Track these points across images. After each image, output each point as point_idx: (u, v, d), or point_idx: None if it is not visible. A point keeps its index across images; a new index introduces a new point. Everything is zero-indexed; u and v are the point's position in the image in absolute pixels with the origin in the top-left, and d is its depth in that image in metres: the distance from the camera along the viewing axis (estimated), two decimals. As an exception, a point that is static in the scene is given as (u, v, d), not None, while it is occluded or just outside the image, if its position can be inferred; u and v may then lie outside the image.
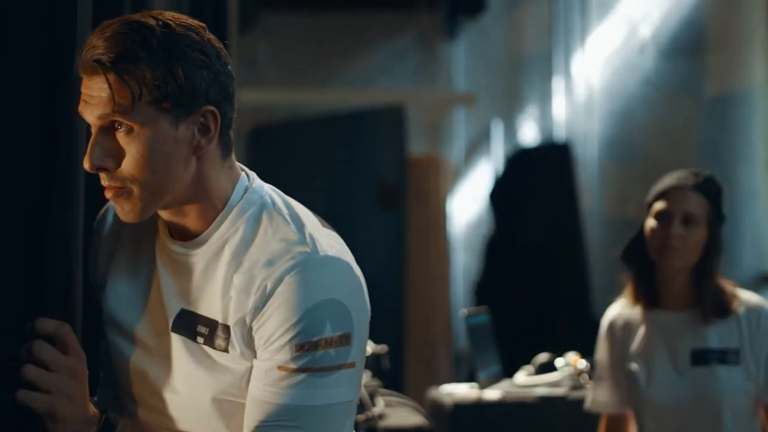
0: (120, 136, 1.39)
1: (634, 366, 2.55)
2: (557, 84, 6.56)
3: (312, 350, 1.39)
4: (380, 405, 3.06)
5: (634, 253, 2.58)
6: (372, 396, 3.01)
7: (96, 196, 1.55)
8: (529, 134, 6.79)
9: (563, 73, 6.53)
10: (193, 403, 1.48)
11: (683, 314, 2.53)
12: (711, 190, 2.52)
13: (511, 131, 6.83)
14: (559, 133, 6.51)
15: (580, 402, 2.93)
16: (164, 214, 1.49)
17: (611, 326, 2.64)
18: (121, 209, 1.44)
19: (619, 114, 6.14)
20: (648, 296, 2.57)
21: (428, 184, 6.35)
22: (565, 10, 6.53)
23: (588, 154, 6.25)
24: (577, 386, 3.55)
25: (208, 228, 1.47)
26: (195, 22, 1.44)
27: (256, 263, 1.42)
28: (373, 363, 3.12)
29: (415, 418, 3.12)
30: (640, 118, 6.05)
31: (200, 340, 1.46)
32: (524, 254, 6.05)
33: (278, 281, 1.40)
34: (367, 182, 6.11)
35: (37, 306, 1.36)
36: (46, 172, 1.37)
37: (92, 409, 1.41)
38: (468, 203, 6.90)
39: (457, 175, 6.91)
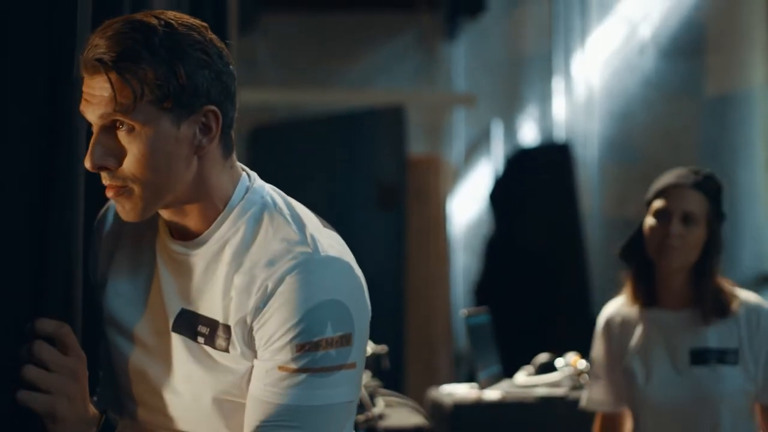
0: (121, 135, 1.39)
1: (631, 364, 2.53)
2: (557, 84, 6.56)
3: (313, 350, 1.39)
4: (380, 405, 3.06)
5: (632, 251, 2.56)
6: (372, 396, 3.01)
7: (96, 196, 1.55)
8: (529, 134, 6.79)
9: (563, 73, 6.53)
10: (193, 403, 1.48)
11: (682, 313, 2.51)
12: (711, 188, 2.49)
13: (511, 131, 6.82)
14: (559, 134, 6.51)
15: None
16: (165, 214, 1.49)
17: (608, 324, 2.62)
18: (122, 208, 1.44)
19: (619, 114, 6.14)
20: (646, 295, 2.55)
21: (428, 185, 6.35)
22: (565, 10, 6.53)
23: (588, 155, 6.25)
24: (577, 386, 3.54)
25: (208, 228, 1.47)
26: (197, 22, 1.44)
27: (257, 263, 1.42)
28: (373, 363, 3.12)
29: (415, 419, 3.12)
30: (640, 119, 6.05)
31: (201, 339, 1.46)
32: (524, 255, 6.05)
33: (279, 281, 1.40)
34: (367, 182, 6.10)
35: (37, 306, 1.36)
36: (46, 172, 1.37)
37: (92, 409, 1.41)
38: (468, 203, 6.90)
39: (457, 175, 6.90)
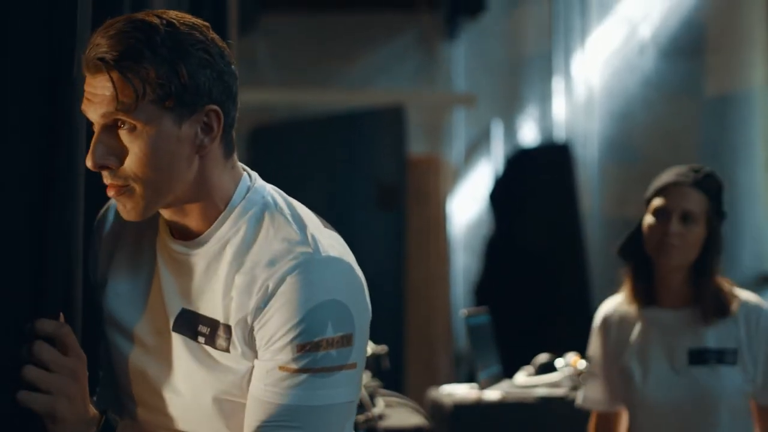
0: (123, 134, 1.39)
1: (629, 363, 2.52)
2: (557, 84, 6.56)
3: (313, 351, 1.39)
4: (380, 405, 3.06)
5: (631, 249, 2.54)
6: (372, 396, 3.01)
7: (96, 196, 1.55)
8: (529, 135, 6.79)
9: (563, 73, 6.53)
10: (193, 402, 1.48)
11: (681, 313, 2.49)
12: (711, 186, 2.47)
13: (511, 131, 6.82)
14: (559, 134, 6.51)
15: (580, 402, 2.92)
16: (165, 213, 1.49)
17: (605, 321, 2.60)
18: (123, 207, 1.44)
19: (619, 114, 6.14)
20: (645, 293, 2.52)
21: (428, 185, 6.35)
22: (565, 10, 6.53)
23: (588, 155, 6.25)
24: (577, 387, 3.54)
25: (209, 227, 1.47)
26: (199, 21, 1.44)
27: (258, 263, 1.42)
28: (373, 363, 3.11)
29: (415, 419, 3.12)
30: (640, 119, 6.05)
31: (201, 339, 1.46)
32: (524, 255, 6.05)
33: (280, 281, 1.40)
34: (367, 182, 6.10)
35: (37, 306, 1.36)
36: (46, 172, 1.37)
37: (92, 409, 1.41)
38: (468, 203, 6.90)
39: (456, 175, 6.90)
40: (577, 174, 6.13)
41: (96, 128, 1.41)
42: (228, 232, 1.46)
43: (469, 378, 4.71)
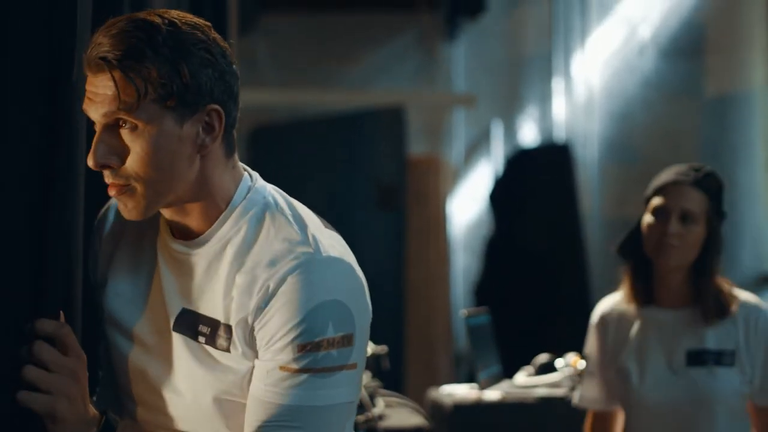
0: (124, 133, 1.39)
1: (626, 363, 2.50)
2: (557, 85, 6.56)
3: (314, 351, 1.39)
4: (380, 405, 3.06)
5: (630, 248, 2.51)
6: (372, 397, 3.01)
7: (96, 196, 1.55)
8: (528, 135, 6.79)
9: (563, 73, 6.53)
10: (193, 402, 1.48)
11: (680, 313, 2.47)
12: (711, 186, 2.44)
13: (510, 132, 6.82)
14: (559, 134, 6.51)
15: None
16: (166, 213, 1.48)
17: (603, 319, 2.57)
18: (124, 207, 1.44)
19: (618, 115, 6.14)
20: (644, 293, 2.50)
21: (428, 185, 6.35)
22: (565, 10, 6.53)
23: (588, 155, 6.25)
24: (577, 387, 3.54)
25: (210, 227, 1.47)
26: (200, 21, 1.44)
27: (259, 263, 1.42)
28: (373, 363, 3.11)
29: (415, 419, 3.12)
30: (640, 119, 6.05)
31: (202, 339, 1.46)
32: (524, 255, 6.05)
33: (281, 281, 1.40)
34: (367, 182, 6.10)
35: (37, 306, 1.36)
36: (46, 172, 1.37)
37: (92, 410, 1.40)
38: (468, 204, 6.90)
39: (456, 175, 6.90)
40: (577, 174, 6.13)
41: (97, 127, 1.41)
42: (229, 232, 1.46)
43: (469, 378, 4.71)
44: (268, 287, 1.40)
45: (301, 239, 1.43)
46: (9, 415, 1.33)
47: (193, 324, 1.47)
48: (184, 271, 1.48)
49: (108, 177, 1.41)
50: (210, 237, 1.47)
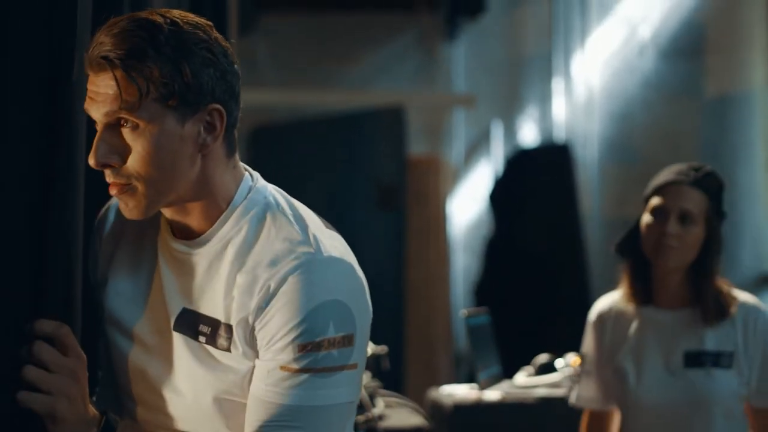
0: (126, 132, 1.39)
1: (623, 364, 2.48)
2: (557, 85, 6.56)
3: (315, 351, 1.39)
4: (380, 406, 3.06)
5: (629, 247, 2.49)
6: (372, 397, 3.00)
7: (96, 196, 1.55)
8: (528, 135, 6.79)
9: (563, 74, 6.53)
10: (194, 402, 1.48)
11: (679, 313, 2.45)
12: (711, 185, 2.41)
13: (510, 132, 6.82)
14: (559, 135, 6.51)
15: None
16: (167, 212, 1.48)
17: (600, 317, 2.55)
18: (125, 206, 1.44)
19: (618, 115, 6.14)
20: (642, 293, 2.48)
21: (428, 185, 6.35)
22: (565, 10, 6.53)
23: (588, 156, 6.25)
24: (574, 387, 3.54)
25: (211, 227, 1.47)
26: (202, 21, 1.44)
27: (260, 263, 1.42)
28: (373, 364, 3.11)
29: (414, 419, 3.12)
30: (640, 120, 6.05)
31: (202, 339, 1.46)
32: (524, 255, 6.05)
33: (282, 281, 1.40)
34: (367, 183, 6.10)
35: (37, 306, 1.36)
36: (46, 172, 1.37)
37: (92, 410, 1.40)
38: (468, 204, 6.90)
39: (456, 176, 6.90)
40: (577, 175, 6.13)
41: (99, 127, 1.41)
42: (230, 232, 1.46)
43: (469, 378, 4.71)
44: (269, 287, 1.40)
45: (302, 239, 1.43)
46: (9, 415, 1.33)
47: (193, 324, 1.47)
48: (185, 270, 1.48)
49: (109, 176, 1.41)
50: (211, 237, 1.47)
